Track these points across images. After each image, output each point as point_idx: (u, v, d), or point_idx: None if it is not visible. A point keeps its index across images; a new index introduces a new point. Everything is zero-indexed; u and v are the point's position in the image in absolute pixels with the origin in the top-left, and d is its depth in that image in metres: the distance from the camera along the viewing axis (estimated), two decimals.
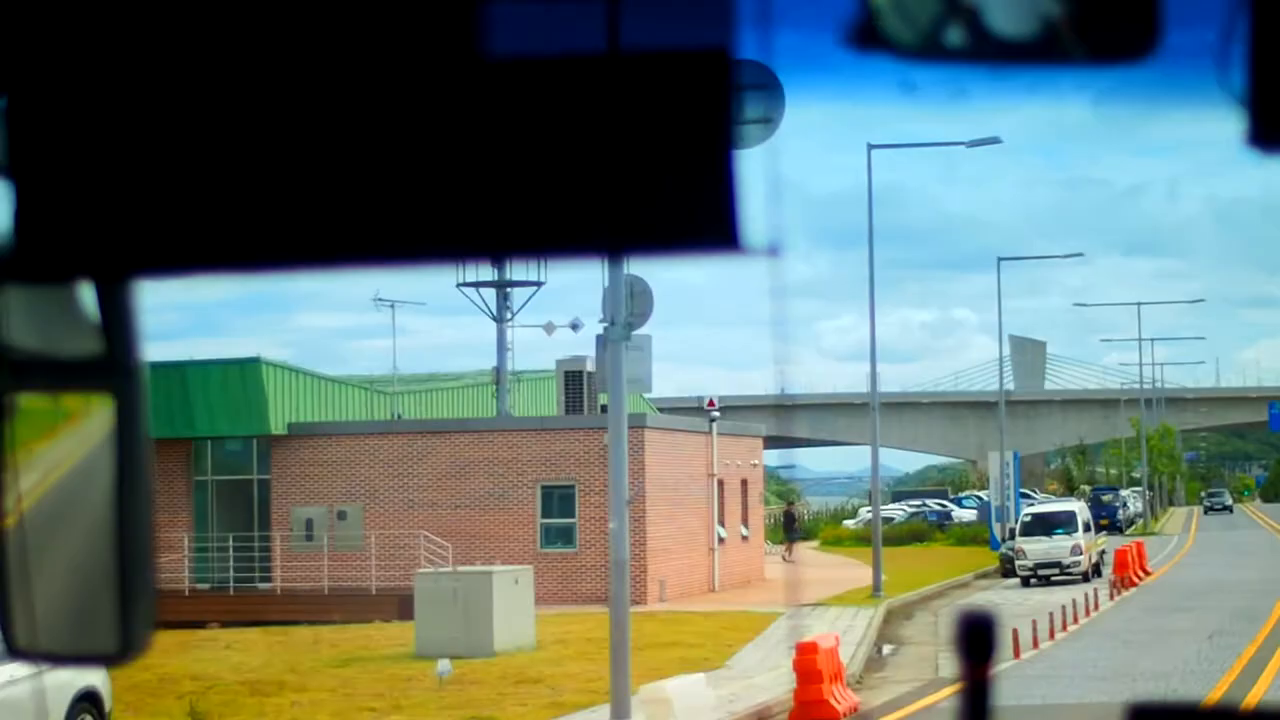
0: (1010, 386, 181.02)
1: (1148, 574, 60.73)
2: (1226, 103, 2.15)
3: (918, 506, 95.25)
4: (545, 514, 52.29)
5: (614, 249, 2.25)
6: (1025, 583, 59.37)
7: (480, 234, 2.19)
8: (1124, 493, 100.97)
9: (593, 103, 2.17)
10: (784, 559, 73.55)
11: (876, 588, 54.01)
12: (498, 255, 2.33)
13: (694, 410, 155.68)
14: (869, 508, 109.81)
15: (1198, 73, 2.18)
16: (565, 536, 52.38)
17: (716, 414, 58.13)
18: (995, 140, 55.32)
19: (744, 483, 60.86)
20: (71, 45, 2.20)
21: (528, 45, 2.17)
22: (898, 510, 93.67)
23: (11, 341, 2.43)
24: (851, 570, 66.54)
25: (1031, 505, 71.60)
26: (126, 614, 2.51)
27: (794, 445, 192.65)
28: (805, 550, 79.82)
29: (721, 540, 57.75)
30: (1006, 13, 2.19)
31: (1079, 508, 61.50)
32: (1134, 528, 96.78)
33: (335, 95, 2.18)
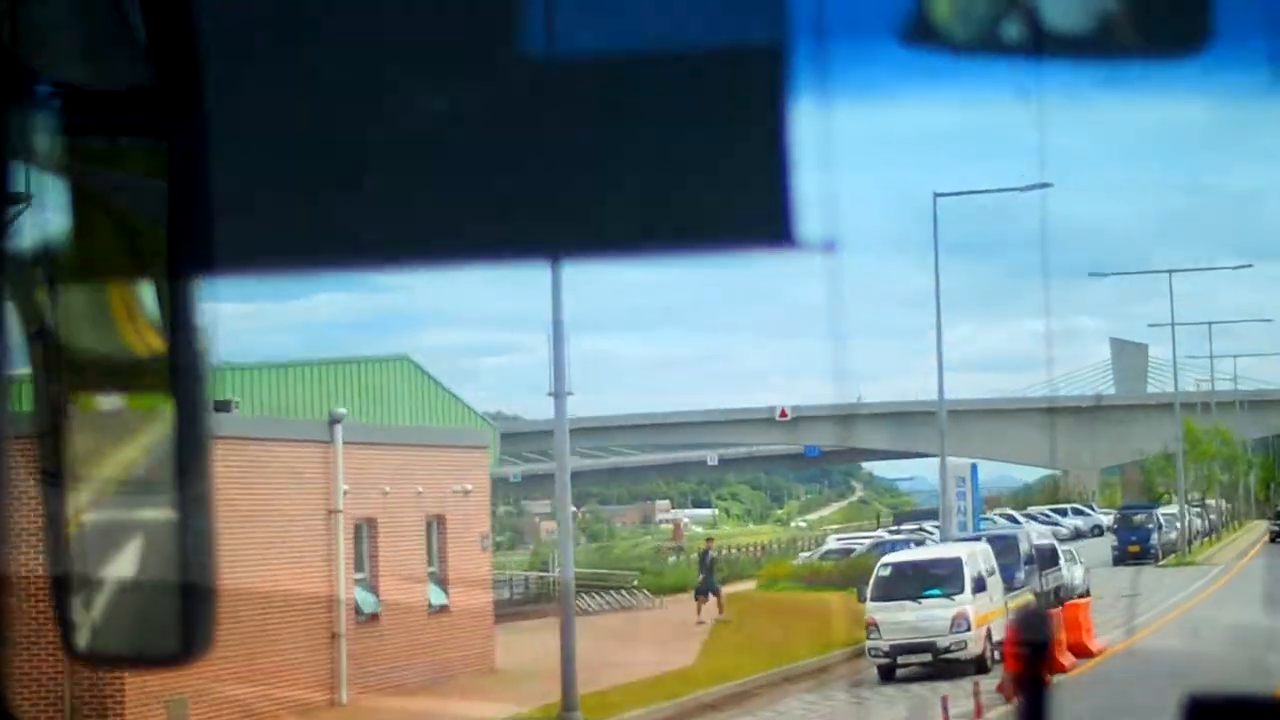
0: (1111, 390, 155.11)
1: (1089, 655, 34.61)
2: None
3: (911, 533, 68.90)
4: None
5: (671, 247, 2.16)
6: (886, 675, 33.51)
7: (530, 235, 2.11)
8: (1161, 511, 73.84)
9: (648, 101, 2.10)
10: (699, 619, 47.54)
11: (568, 705, 28.51)
12: (551, 255, 2.23)
13: (764, 421, 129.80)
14: (840, 535, 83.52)
15: (1252, 69, 2.12)
16: None
17: (343, 411, 32.46)
18: None
19: (437, 521, 35.35)
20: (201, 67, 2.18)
21: (582, 45, 2.11)
22: (859, 542, 67.22)
23: (75, 343, 2.31)
24: (692, 643, 40.88)
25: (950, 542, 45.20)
26: (188, 616, 2.39)
27: (866, 458, 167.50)
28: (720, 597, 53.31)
29: (370, 616, 32.42)
30: (1061, 6, 2.10)
31: (970, 553, 34.96)
32: (1172, 557, 69.60)
33: (406, 102, 2.12)
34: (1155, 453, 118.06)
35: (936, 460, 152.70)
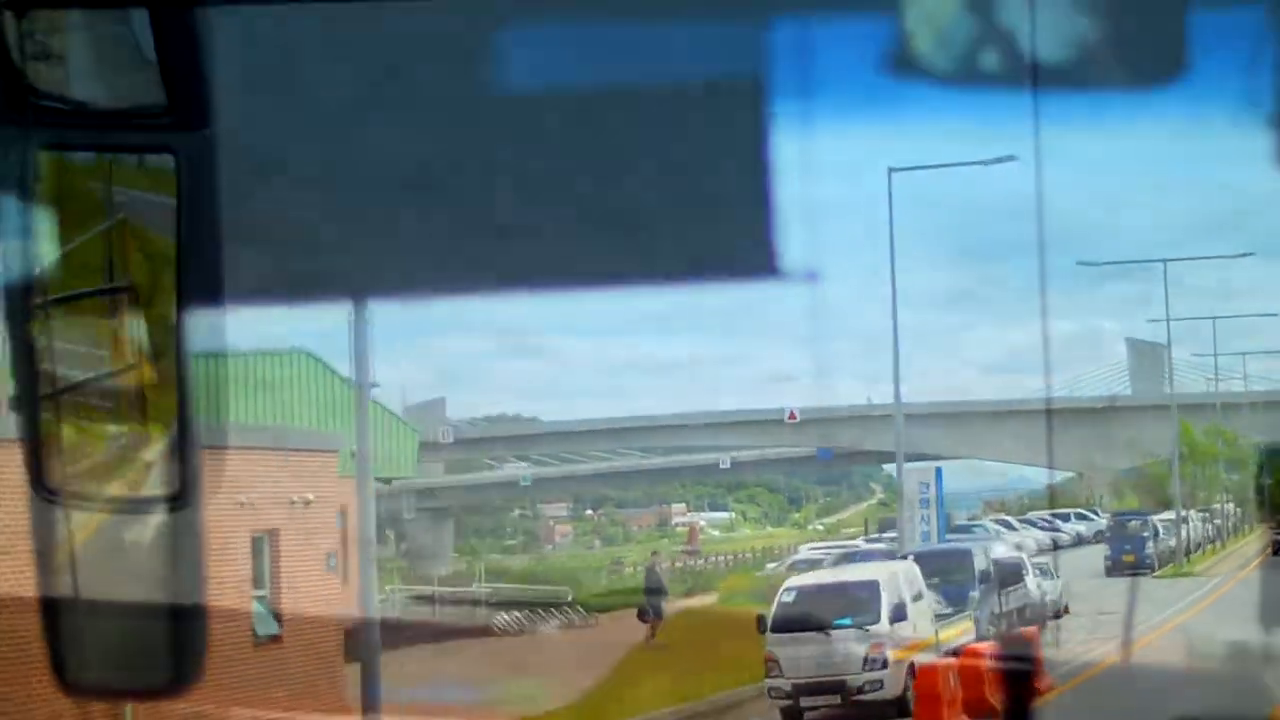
0: (1128, 392, 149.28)
1: (1037, 692, 28.66)
2: (1257, 124, 2.07)
3: (891, 541, 62.88)
4: None
5: (658, 277, 2.17)
6: (791, 719, 27.77)
7: (519, 264, 2.10)
8: (1158, 518, 67.80)
9: (634, 135, 2.11)
10: (648, 641, 41.76)
11: None
12: (539, 285, 2.19)
13: (773, 423, 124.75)
14: (813, 545, 77.18)
15: (1226, 96, 2.14)
16: None
17: None
18: None
19: (269, 536, 29.74)
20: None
21: (565, 78, 2.13)
22: (826, 552, 61.12)
23: (61, 370, 2.24)
24: (595, 672, 35.11)
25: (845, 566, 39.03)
26: (178, 646, 2.34)
27: (880, 460, 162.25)
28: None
29: None
30: (1040, 38, 2.11)
31: (890, 574, 29.08)
32: (1169, 567, 63.44)
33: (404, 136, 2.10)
34: (1165, 455, 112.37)
35: (950, 462, 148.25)
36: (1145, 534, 63.58)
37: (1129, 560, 61.21)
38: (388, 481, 50.96)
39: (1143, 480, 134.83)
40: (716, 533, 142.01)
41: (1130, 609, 46.35)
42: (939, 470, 50.08)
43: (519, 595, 49.14)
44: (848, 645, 27.05)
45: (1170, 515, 70.48)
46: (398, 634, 39.55)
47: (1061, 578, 46.86)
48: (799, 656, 27.15)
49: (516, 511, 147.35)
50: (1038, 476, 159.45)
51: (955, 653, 27.37)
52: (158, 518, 2.28)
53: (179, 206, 2.29)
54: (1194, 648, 36.65)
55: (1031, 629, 31.43)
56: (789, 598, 28.39)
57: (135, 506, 2.31)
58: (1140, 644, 38.33)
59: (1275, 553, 65.99)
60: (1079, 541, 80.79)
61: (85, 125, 2.33)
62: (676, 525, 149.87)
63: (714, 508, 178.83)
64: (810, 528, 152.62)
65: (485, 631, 44.26)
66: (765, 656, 27.78)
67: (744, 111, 2.10)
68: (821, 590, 28.81)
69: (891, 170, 44.06)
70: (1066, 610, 45.56)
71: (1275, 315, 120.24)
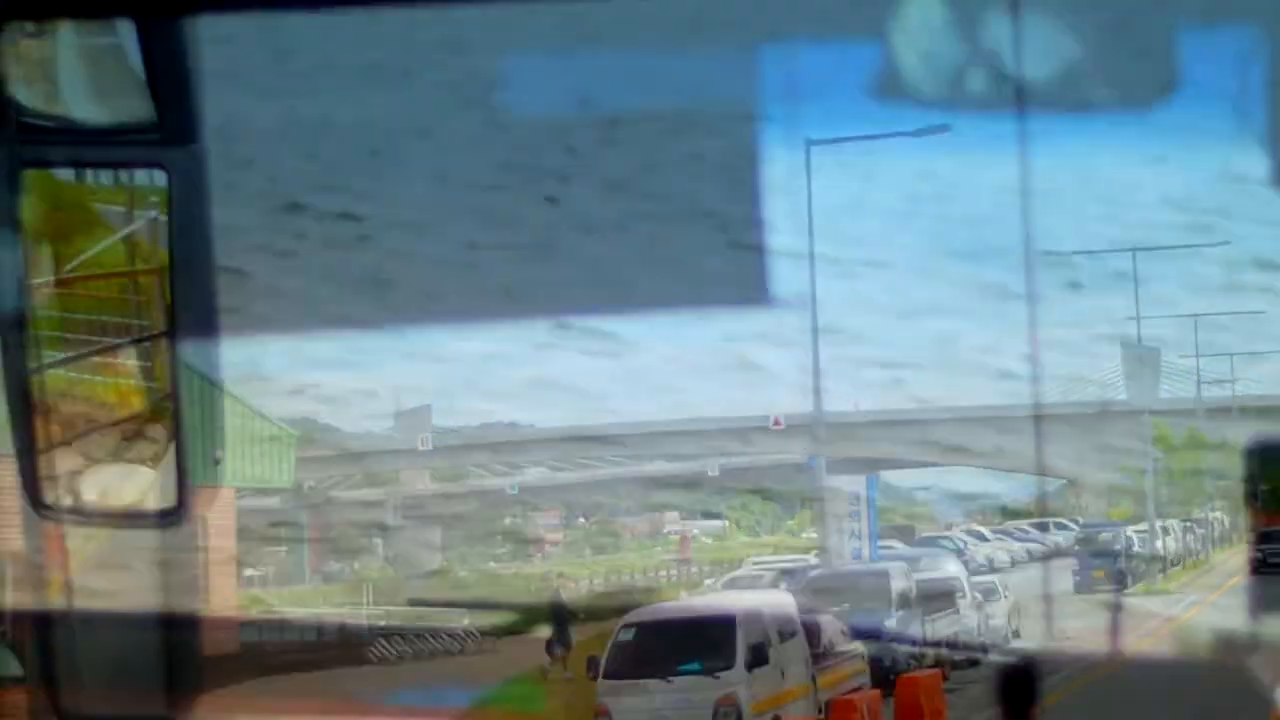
0: (1122, 397, 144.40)
1: None
2: (1250, 144, 2.38)
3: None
4: None
5: (642, 306, 4.04)
6: None
7: (512, 290, 3.04)
8: (1133, 529, 62.66)
9: (626, 163, 3.77)
10: (546, 672, 36.37)
11: None
12: (532, 312, 3.38)
13: (758, 430, 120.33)
14: (756, 558, 71.83)
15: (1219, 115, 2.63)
16: None
17: None
18: None
19: (9, 562, 24.65)
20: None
21: (558, 106, 3.41)
22: (766, 569, 55.69)
23: (56, 386, 2.31)
24: None
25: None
26: (172, 674, 2.38)
27: (871, 468, 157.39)
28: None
29: None
30: (1029, 59, 2.40)
31: (751, 608, 23.71)
32: (1141, 584, 58.02)
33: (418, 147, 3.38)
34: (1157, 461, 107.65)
35: (953, 469, 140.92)
36: (1117, 547, 58.19)
37: (1099, 576, 55.67)
38: (268, 493, 45.88)
39: (1131, 488, 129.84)
40: (709, 541, 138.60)
41: (1096, 632, 41.24)
42: (871, 479, 45.09)
43: (409, 618, 43.86)
44: (694, 695, 21.76)
45: (1142, 527, 65.26)
46: (245, 664, 34.59)
47: (1012, 598, 41.54)
48: (635, 708, 21.88)
49: (507, 519, 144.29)
50: (1026, 485, 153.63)
51: (828, 706, 22.11)
52: (153, 534, 2.25)
53: (170, 221, 2.29)
54: (1155, 682, 31.71)
55: (932, 674, 25.96)
56: (627, 636, 23.02)
57: (131, 522, 2.28)
58: (1081, 682, 33.01)
59: (1255, 571, 59.24)
60: (1057, 552, 75.78)
61: (75, 142, 2.22)
62: (669, 533, 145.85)
63: (708, 515, 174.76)
64: (804, 535, 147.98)
65: (358, 660, 39.05)
66: (595, 709, 22.47)
67: (734, 134, 2.03)
68: (667, 627, 23.43)
69: (810, 142, 39.08)
70: (1016, 635, 40.27)
71: (1262, 313, 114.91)
